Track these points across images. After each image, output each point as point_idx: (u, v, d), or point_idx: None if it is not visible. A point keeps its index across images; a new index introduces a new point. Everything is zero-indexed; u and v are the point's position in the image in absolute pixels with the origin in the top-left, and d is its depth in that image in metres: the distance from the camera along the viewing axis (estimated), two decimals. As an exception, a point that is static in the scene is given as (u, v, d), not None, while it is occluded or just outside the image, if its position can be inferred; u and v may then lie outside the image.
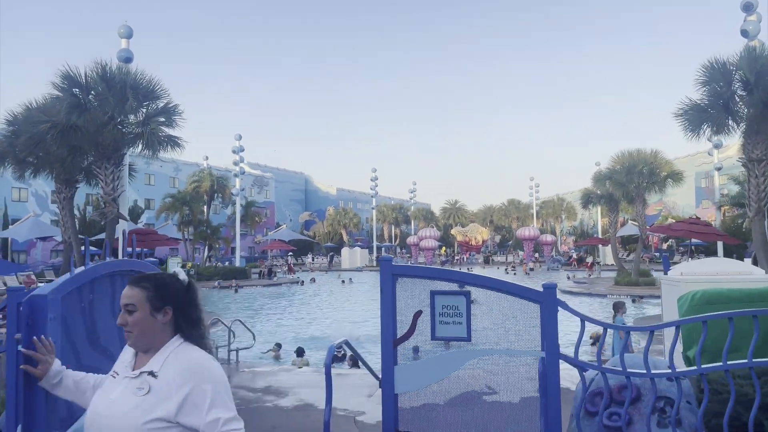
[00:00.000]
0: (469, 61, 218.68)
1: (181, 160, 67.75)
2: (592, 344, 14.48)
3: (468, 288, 3.27)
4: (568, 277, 40.60)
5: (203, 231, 40.18)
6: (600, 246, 58.14)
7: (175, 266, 27.18)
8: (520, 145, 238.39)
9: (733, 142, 31.11)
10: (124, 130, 16.94)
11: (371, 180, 64.52)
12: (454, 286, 3.30)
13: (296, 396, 9.13)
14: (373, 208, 68.97)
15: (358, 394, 9.29)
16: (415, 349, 4.06)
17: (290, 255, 55.12)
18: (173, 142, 17.88)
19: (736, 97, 17.67)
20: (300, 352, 12.32)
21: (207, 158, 50.43)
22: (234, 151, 42.34)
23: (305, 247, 72.54)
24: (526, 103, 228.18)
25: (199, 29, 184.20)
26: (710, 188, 74.04)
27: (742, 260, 18.47)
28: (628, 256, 55.71)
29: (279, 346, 13.48)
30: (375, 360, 13.54)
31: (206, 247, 41.86)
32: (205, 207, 42.40)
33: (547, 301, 3.09)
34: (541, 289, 3.15)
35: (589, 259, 51.59)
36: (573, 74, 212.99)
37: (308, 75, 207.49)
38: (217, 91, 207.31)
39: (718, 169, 31.84)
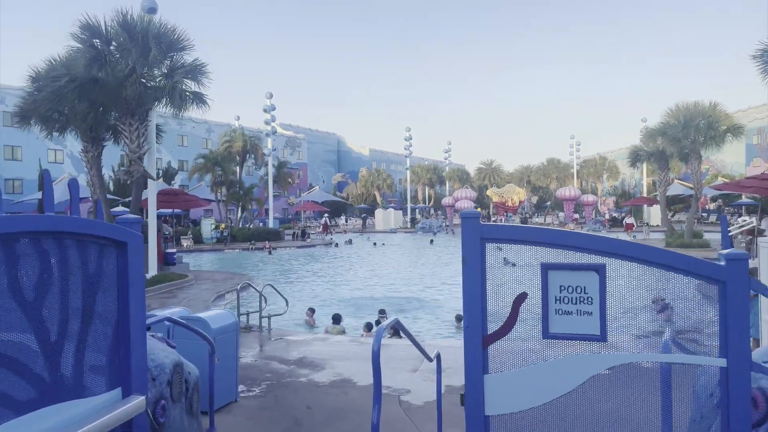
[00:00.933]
0: (506, 16, 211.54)
1: (214, 121, 67.36)
2: (659, 312, 13.30)
3: (603, 260, 2.12)
4: (612, 239, 38.94)
5: (236, 192, 39.58)
6: (645, 206, 55.74)
7: (207, 227, 26.63)
8: (559, 103, 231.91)
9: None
10: (147, 84, 16.01)
11: (405, 140, 62.97)
12: (578, 257, 2.17)
13: (332, 369, 8.26)
14: (407, 169, 67.59)
15: (402, 369, 8.35)
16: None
17: (326, 216, 54.51)
18: (199, 99, 16.86)
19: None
20: (336, 319, 11.45)
21: (239, 118, 49.65)
22: (265, 110, 41.31)
23: (338, 209, 71.90)
24: (565, 60, 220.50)
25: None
26: (762, 145, 70.33)
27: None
28: (672, 216, 53.28)
29: (312, 311, 12.63)
30: (416, 328, 12.52)
31: (239, 208, 41.37)
32: (238, 168, 41.72)
33: (735, 280, 1.96)
34: (722, 262, 2.01)
35: (630, 220, 49.31)
36: (615, 29, 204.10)
37: (340, 34, 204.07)
38: (247, 50, 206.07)
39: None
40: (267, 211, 44.36)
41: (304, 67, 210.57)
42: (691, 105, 27.14)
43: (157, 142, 18.58)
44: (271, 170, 43.01)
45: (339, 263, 27.11)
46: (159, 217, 21.86)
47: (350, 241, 38.89)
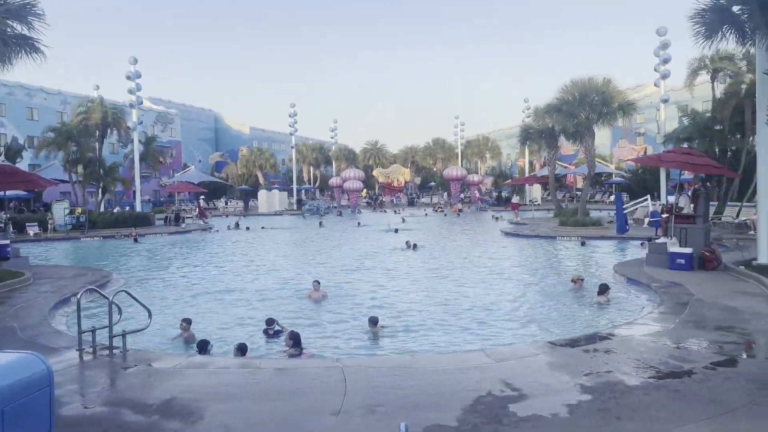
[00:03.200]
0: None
1: (70, 93, 59.50)
2: (574, 281, 13.33)
3: None
4: (497, 219, 38.75)
5: (95, 171, 34.37)
6: (527, 186, 57.05)
7: (60, 212, 21.82)
8: (444, 84, 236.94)
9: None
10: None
11: (290, 116, 59.39)
12: None
13: (216, 419, 5.53)
14: (292, 147, 64.11)
15: (319, 410, 5.80)
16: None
17: (202, 198, 49.87)
18: (30, 46, 13.00)
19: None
20: (202, 347, 8.50)
21: (98, 87, 43.50)
22: (129, 77, 35.99)
23: (218, 190, 67.01)
24: (449, 40, 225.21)
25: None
26: (627, 128, 75.32)
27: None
28: (547, 196, 55.00)
29: (189, 321, 9.70)
30: (312, 335, 9.84)
31: (100, 190, 36.06)
32: (97, 144, 36.32)
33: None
34: None
35: (516, 199, 49.99)
36: (499, 9, 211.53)
37: (216, 5, 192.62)
38: (111, 20, 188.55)
39: (665, 101, 30.08)
40: (134, 193, 39.29)
41: (177, 40, 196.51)
42: (586, 81, 26.87)
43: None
44: (137, 146, 37.93)
45: (218, 252, 23.79)
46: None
47: (237, 225, 35.26)
